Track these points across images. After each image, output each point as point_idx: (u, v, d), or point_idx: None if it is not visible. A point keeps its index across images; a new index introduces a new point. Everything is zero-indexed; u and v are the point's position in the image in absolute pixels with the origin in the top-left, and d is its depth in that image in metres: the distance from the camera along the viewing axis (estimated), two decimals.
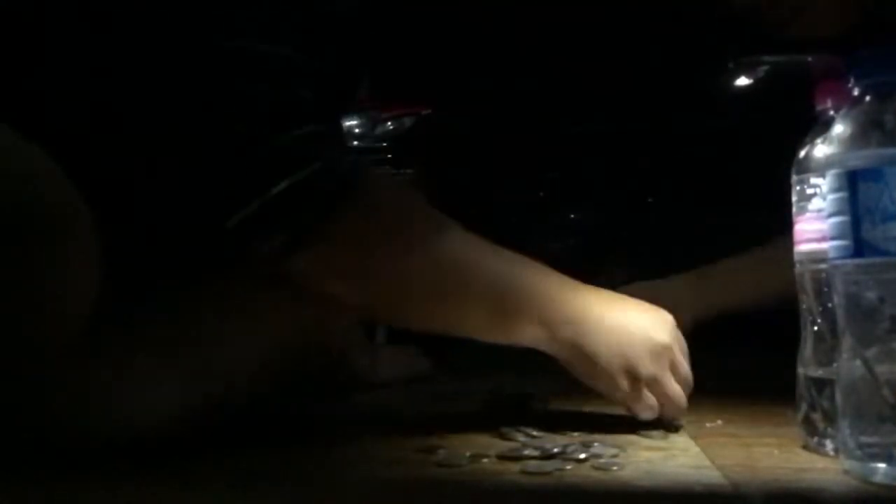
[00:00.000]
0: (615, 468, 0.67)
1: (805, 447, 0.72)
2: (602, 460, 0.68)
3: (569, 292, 0.81)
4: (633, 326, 0.80)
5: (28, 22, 0.74)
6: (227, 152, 0.72)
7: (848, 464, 0.62)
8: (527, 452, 0.71)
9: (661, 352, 0.79)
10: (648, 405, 0.80)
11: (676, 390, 0.80)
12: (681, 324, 0.93)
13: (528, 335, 0.80)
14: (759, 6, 1.14)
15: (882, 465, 0.60)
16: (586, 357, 0.79)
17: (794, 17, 1.12)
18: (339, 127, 0.82)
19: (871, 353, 0.61)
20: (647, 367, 0.79)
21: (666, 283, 1.20)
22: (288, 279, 0.77)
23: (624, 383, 0.79)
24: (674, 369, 0.80)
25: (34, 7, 0.74)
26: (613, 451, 0.71)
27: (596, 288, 0.83)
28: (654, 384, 0.79)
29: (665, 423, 0.81)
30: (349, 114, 1.70)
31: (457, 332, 0.82)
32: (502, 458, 0.70)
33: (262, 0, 0.75)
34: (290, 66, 0.75)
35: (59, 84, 0.73)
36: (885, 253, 0.60)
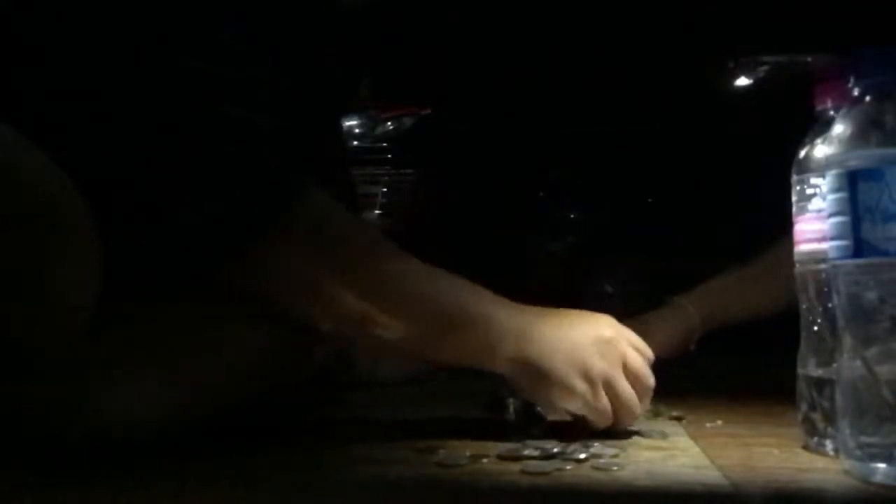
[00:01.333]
0: (615, 468, 0.67)
1: (805, 447, 0.72)
2: (602, 460, 0.68)
3: (507, 310, 0.78)
4: (576, 328, 0.78)
5: (23, 26, 0.74)
6: (169, 165, 0.72)
7: (848, 464, 0.62)
8: (527, 452, 0.71)
9: (608, 347, 0.77)
10: (603, 408, 0.76)
11: (628, 391, 0.77)
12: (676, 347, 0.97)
13: (470, 355, 0.78)
14: None
15: (882, 465, 0.60)
16: (534, 368, 0.76)
17: None
18: (294, 143, 0.80)
19: (871, 353, 0.61)
20: (597, 364, 0.76)
21: (657, 315, 1.19)
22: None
23: (580, 384, 0.76)
24: (626, 366, 0.78)
25: (28, 11, 0.74)
26: (613, 451, 0.71)
27: (532, 307, 0.80)
28: (607, 384, 0.76)
29: (618, 433, 0.78)
30: (349, 114, 1.70)
31: (396, 352, 0.82)
32: (502, 458, 0.70)
33: (236, 14, 0.75)
34: (243, 86, 0.74)
35: (48, 85, 0.73)
36: (885, 253, 0.60)
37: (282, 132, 0.76)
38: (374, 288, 0.76)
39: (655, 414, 0.88)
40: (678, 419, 0.86)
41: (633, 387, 0.77)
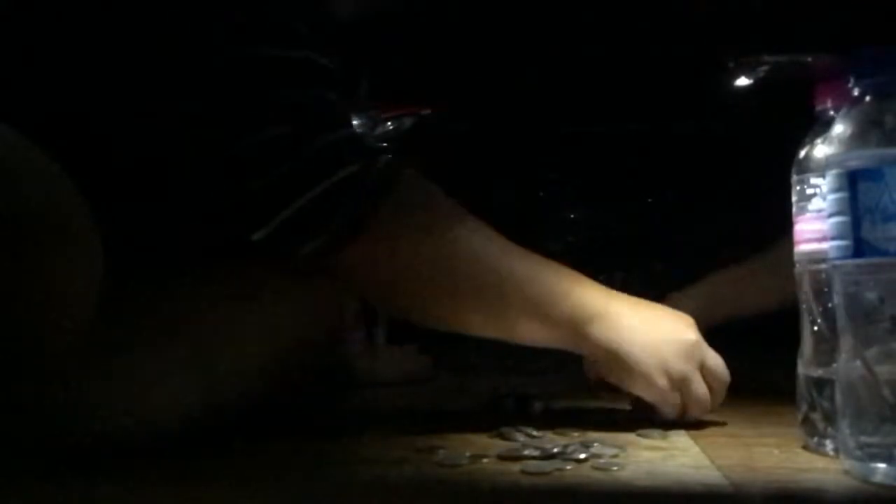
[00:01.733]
0: (615, 468, 0.67)
1: (805, 447, 0.72)
2: (602, 460, 0.68)
3: (597, 293, 0.82)
4: (664, 326, 0.82)
5: (31, 21, 0.74)
6: (262, 158, 0.73)
7: (848, 464, 0.62)
8: (527, 452, 0.71)
9: (691, 350, 0.81)
10: (674, 403, 0.81)
11: (702, 390, 0.81)
12: None
13: (561, 336, 0.81)
14: None
15: (882, 465, 0.60)
16: (621, 357, 0.81)
17: None
18: (353, 127, 0.83)
19: (871, 353, 0.61)
20: (679, 366, 0.80)
21: (671, 302, 1.19)
22: (296, 276, 0.79)
23: (662, 381, 0.80)
24: (704, 368, 0.82)
25: (35, 7, 0.74)
26: (613, 451, 0.71)
27: (619, 292, 0.84)
28: (684, 383, 0.80)
29: (686, 424, 0.82)
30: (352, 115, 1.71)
31: (489, 333, 0.83)
32: (502, 458, 0.70)
33: (275, 8, 0.76)
34: (313, 70, 0.76)
35: (77, 87, 0.73)
36: (885, 253, 0.60)
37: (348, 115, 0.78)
38: (470, 268, 0.79)
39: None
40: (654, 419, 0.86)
41: (710, 385, 0.82)
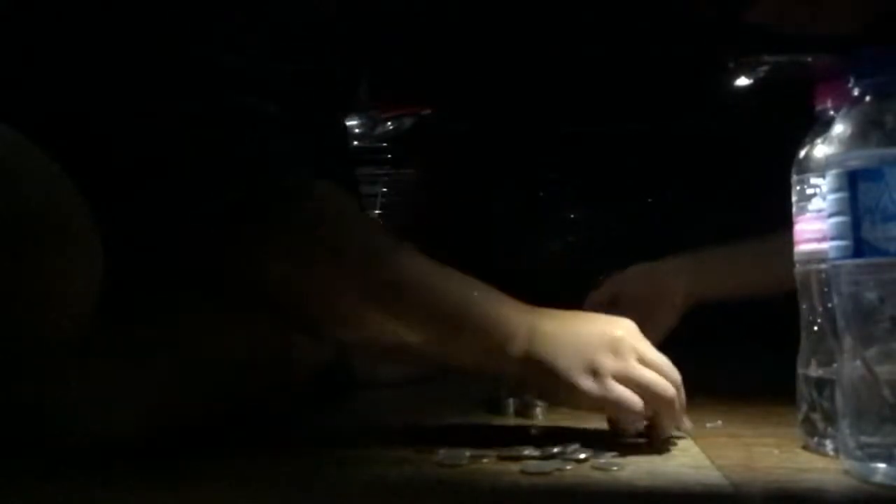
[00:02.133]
0: (615, 468, 0.67)
1: (805, 447, 0.72)
2: (602, 460, 0.68)
3: (517, 309, 0.77)
4: (585, 327, 0.77)
5: (25, 23, 0.74)
6: (180, 163, 0.72)
7: (848, 464, 0.62)
8: (527, 452, 0.71)
9: (619, 344, 0.75)
10: (625, 399, 0.73)
11: (650, 375, 0.74)
12: (678, 301, 0.95)
13: (480, 355, 0.76)
14: (780, 12, 1.14)
15: (882, 465, 0.60)
16: (542, 367, 0.74)
17: (812, 20, 1.13)
18: (305, 137, 0.79)
19: (871, 353, 0.61)
20: (605, 361, 0.74)
21: (665, 264, 1.18)
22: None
23: (586, 381, 0.73)
24: (644, 359, 0.75)
25: (29, 9, 0.74)
26: (613, 451, 0.71)
27: (541, 308, 0.78)
28: (622, 377, 0.74)
29: (664, 434, 0.76)
30: (349, 114, 1.70)
31: (403, 354, 0.80)
32: (502, 458, 0.70)
33: (236, 12, 0.76)
34: (256, 78, 0.75)
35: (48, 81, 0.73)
36: (885, 253, 0.60)
37: (290, 123, 0.76)
38: (381, 290, 0.75)
39: None
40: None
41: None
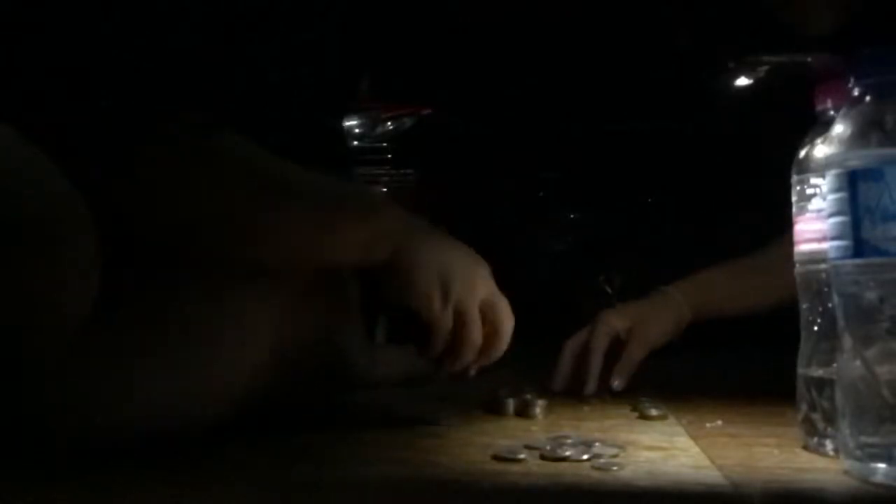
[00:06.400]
0: (615, 468, 0.67)
1: (805, 447, 0.72)
2: (602, 460, 0.68)
3: (398, 214, 0.84)
4: (455, 250, 0.85)
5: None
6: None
7: (848, 464, 0.62)
8: (527, 452, 0.71)
9: (477, 282, 0.83)
10: (445, 324, 0.81)
11: (476, 328, 0.83)
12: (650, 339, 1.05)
13: (354, 239, 0.80)
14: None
15: (882, 465, 0.60)
16: (405, 268, 0.81)
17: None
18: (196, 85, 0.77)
19: (871, 353, 0.61)
20: (459, 288, 0.81)
21: (646, 303, 1.15)
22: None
23: (436, 295, 0.81)
24: (491, 311, 0.84)
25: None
26: (613, 451, 0.71)
27: (419, 222, 0.86)
28: (459, 310, 0.82)
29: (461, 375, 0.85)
30: (349, 114, 1.70)
31: (281, 256, 0.79)
32: (502, 458, 0.70)
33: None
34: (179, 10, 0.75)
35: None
36: (885, 253, 0.60)
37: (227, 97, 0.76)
38: (264, 184, 0.76)
39: (634, 408, 0.89)
40: (662, 418, 0.86)
41: (492, 320, 0.84)
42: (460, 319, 0.82)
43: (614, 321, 1.07)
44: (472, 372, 0.86)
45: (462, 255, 0.86)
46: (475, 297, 0.83)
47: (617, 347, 1.05)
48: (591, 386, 1.02)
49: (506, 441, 0.76)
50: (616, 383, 1.01)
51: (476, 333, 0.83)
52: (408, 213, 0.85)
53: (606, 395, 1.00)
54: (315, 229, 0.79)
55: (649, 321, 1.08)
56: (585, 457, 0.69)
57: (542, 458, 0.70)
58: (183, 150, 0.74)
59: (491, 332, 0.85)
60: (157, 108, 0.73)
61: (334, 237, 0.80)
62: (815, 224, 0.70)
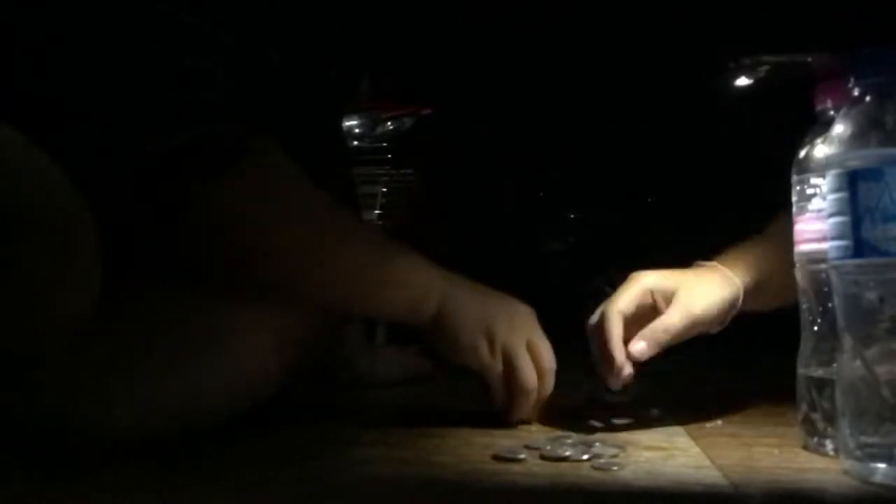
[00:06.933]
0: (615, 468, 0.67)
1: (805, 447, 0.72)
2: (602, 460, 0.68)
3: (434, 272, 0.85)
4: (492, 300, 0.85)
5: None
6: (107, 113, 0.72)
7: (848, 464, 0.62)
8: (527, 452, 0.71)
9: (520, 323, 0.84)
10: (498, 372, 0.83)
11: (527, 365, 0.83)
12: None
13: (396, 312, 0.84)
14: None
15: (882, 465, 0.60)
16: (449, 324, 0.83)
17: None
18: (237, 99, 0.78)
19: (871, 353, 0.61)
20: (502, 332, 0.83)
21: (694, 272, 0.89)
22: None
23: (482, 344, 0.82)
24: (533, 352, 0.84)
25: None
26: (613, 451, 0.71)
27: (455, 275, 0.86)
28: (508, 354, 0.82)
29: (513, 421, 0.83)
30: (349, 114, 1.70)
31: (342, 302, 0.85)
32: (502, 458, 0.70)
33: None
34: (201, 36, 0.75)
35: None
36: (885, 253, 0.60)
37: (248, 97, 0.76)
38: (316, 240, 0.80)
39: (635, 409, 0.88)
40: (659, 419, 0.86)
41: (536, 363, 0.83)
42: (510, 364, 0.83)
43: (651, 281, 0.85)
44: (534, 415, 0.85)
45: (502, 301, 0.86)
46: (521, 338, 0.84)
47: (651, 316, 0.84)
48: (618, 359, 0.81)
49: (506, 441, 0.76)
50: (638, 347, 0.81)
51: (528, 373, 0.83)
52: (445, 270, 0.85)
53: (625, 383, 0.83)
54: (364, 285, 0.83)
55: (695, 290, 0.84)
56: (585, 457, 0.69)
57: (542, 458, 0.70)
58: (262, 184, 0.77)
59: (537, 373, 0.84)
60: (239, 137, 0.75)
61: (382, 293, 0.84)
62: (815, 224, 0.70)
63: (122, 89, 0.72)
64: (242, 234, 0.77)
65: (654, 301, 0.84)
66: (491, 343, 0.83)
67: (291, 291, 0.81)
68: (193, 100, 0.74)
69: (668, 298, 0.83)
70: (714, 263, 0.88)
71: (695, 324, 0.82)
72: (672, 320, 0.82)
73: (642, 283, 0.85)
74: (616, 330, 0.82)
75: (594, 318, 0.86)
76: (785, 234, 0.77)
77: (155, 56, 0.73)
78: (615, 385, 0.83)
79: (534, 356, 0.84)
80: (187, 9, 0.74)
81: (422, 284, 0.83)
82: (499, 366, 0.83)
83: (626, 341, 0.82)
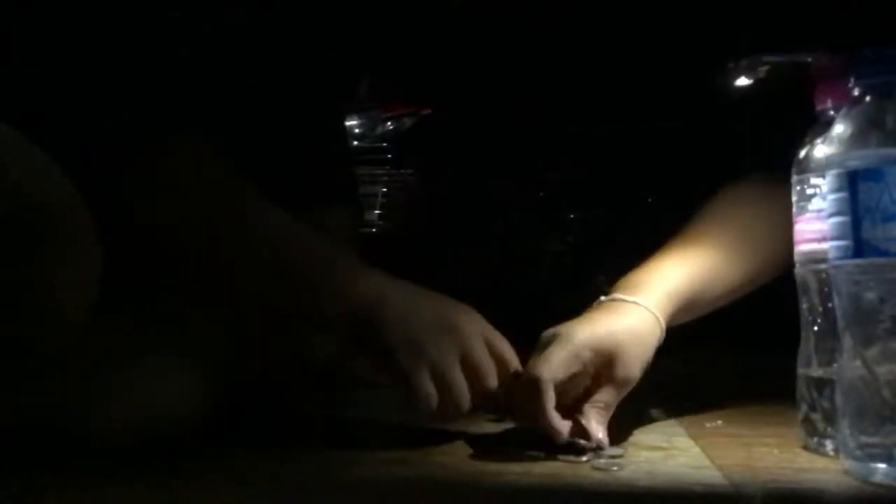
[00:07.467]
0: (615, 468, 0.67)
1: (805, 447, 0.72)
2: (602, 460, 0.69)
3: (365, 271, 0.78)
4: (425, 312, 0.75)
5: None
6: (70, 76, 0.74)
7: (848, 464, 0.62)
8: (527, 452, 0.71)
9: (448, 336, 0.74)
10: (424, 392, 0.72)
11: (456, 382, 0.73)
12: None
13: (311, 304, 0.76)
14: None
15: (882, 465, 0.60)
16: (371, 333, 0.74)
17: None
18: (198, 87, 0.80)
19: (871, 353, 0.61)
20: (430, 350, 0.73)
21: (620, 319, 0.81)
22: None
23: (401, 357, 0.73)
24: (465, 359, 0.74)
25: None
26: (613, 451, 0.71)
27: (391, 279, 0.78)
28: (436, 370, 0.73)
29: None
30: (349, 114, 1.70)
31: (249, 298, 0.79)
32: (502, 458, 0.70)
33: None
34: (171, 24, 0.77)
35: None
36: (885, 253, 0.60)
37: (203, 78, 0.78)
38: (239, 235, 0.77)
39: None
40: (660, 419, 0.86)
41: (470, 379, 0.74)
42: (441, 385, 0.73)
43: (585, 344, 0.76)
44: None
45: (436, 308, 0.76)
46: (452, 350, 0.74)
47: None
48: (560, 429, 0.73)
49: (505, 441, 0.76)
50: (595, 436, 0.73)
51: (458, 393, 0.73)
52: (382, 278, 0.77)
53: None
54: (275, 295, 0.77)
55: (630, 354, 0.77)
56: (584, 458, 0.69)
57: (543, 458, 0.70)
58: (177, 169, 0.76)
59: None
60: (160, 118, 0.74)
61: (289, 305, 0.78)
62: (815, 224, 0.70)
63: (95, 70, 0.74)
64: (153, 210, 0.76)
65: (584, 364, 0.76)
66: (415, 359, 0.73)
67: (200, 275, 0.78)
68: (152, 84, 0.75)
69: (600, 362, 0.76)
70: (636, 301, 0.81)
71: (627, 388, 0.77)
72: (610, 398, 0.76)
73: (575, 347, 0.76)
74: (550, 402, 0.73)
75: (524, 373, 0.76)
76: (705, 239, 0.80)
77: (129, 45, 0.75)
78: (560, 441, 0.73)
79: (468, 371, 0.74)
80: (175, 4, 0.75)
81: (352, 289, 0.75)
82: (424, 387, 0.73)
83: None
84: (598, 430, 0.73)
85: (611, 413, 0.75)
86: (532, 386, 0.73)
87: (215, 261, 0.77)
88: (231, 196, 0.78)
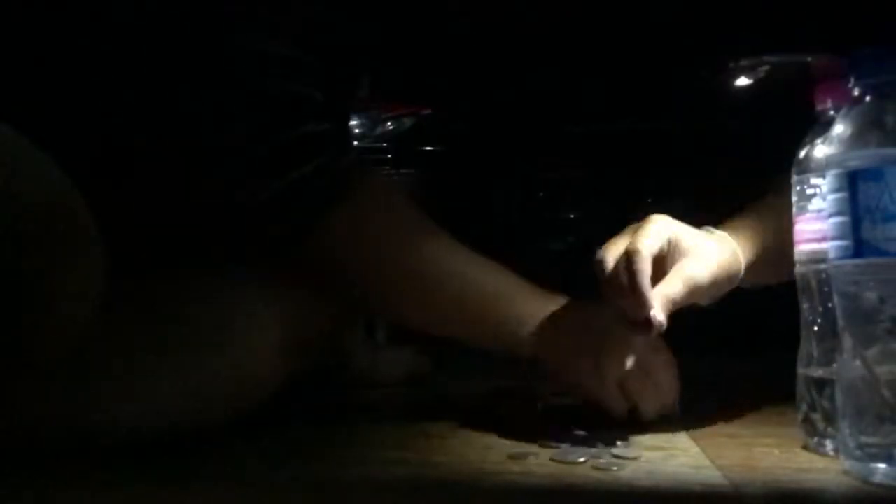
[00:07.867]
0: (615, 468, 0.67)
1: (805, 447, 0.72)
2: (602, 460, 0.68)
3: (534, 299, 0.85)
4: (608, 325, 0.80)
5: (30, 23, 0.74)
6: (231, 149, 0.75)
7: (848, 464, 0.62)
8: (528, 453, 0.71)
9: (627, 348, 0.80)
10: (616, 399, 0.81)
11: (644, 389, 0.81)
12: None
13: (495, 342, 0.85)
14: None
15: (882, 465, 0.60)
16: (562, 353, 0.82)
17: None
18: (345, 126, 0.85)
19: (871, 353, 0.61)
20: (613, 366, 0.80)
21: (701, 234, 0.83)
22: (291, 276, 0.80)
23: (589, 382, 0.81)
24: (651, 364, 0.81)
25: (36, 9, 0.74)
26: (613, 451, 0.71)
27: (557, 298, 0.86)
28: (627, 381, 0.81)
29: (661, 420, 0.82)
30: (349, 114, 1.71)
31: (444, 333, 0.87)
32: (503, 458, 0.70)
33: (266, 3, 0.77)
34: (298, 65, 0.77)
35: (63, 86, 0.74)
36: (885, 253, 0.60)
37: (332, 110, 0.80)
38: (428, 272, 0.83)
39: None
40: (659, 419, 0.86)
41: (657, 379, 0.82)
42: (628, 390, 0.81)
43: (675, 231, 0.79)
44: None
45: (617, 318, 0.78)
46: (635, 360, 0.80)
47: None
48: (652, 306, 0.74)
49: (506, 441, 0.76)
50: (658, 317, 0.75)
51: (612, 406, 0.81)
52: (547, 296, 0.85)
53: None
54: (448, 327, 0.85)
55: (703, 260, 0.79)
56: (583, 459, 0.69)
57: (543, 457, 0.70)
58: (371, 214, 0.81)
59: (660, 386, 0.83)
60: (348, 166, 0.79)
61: (466, 336, 0.86)
62: (815, 224, 0.70)
63: (241, 125, 0.75)
64: (353, 263, 0.81)
65: (667, 253, 0.78)
66: (600, 380, 0.81)
67: (398, 317, 0.86)
68: (311, 131, 0.77)
69: (677, 257, 0.78)
70: (724, 234, 0.83)
71: (693, 296, 0.78)
72: (675, 290, 0.76)
73: (669, 231, 0.78)
74: (648, 271, 0.75)
75: (608, 255, 0.80)
76: (785, 206, 0.74)
77: (264, 90, 0.75)
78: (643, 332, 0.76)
79: (654, 372, 0.82)
80: (264, 38, 0.76)
81: (521, 313, 0.84)
82: (614, 399, 0.81)
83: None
84: (660, 313, 0.74)
85: (670, 310, 0.75)
86: (631, 257, 0.76)
87: (413, 299, 0.84)
88: (425, 232, 0.84)
